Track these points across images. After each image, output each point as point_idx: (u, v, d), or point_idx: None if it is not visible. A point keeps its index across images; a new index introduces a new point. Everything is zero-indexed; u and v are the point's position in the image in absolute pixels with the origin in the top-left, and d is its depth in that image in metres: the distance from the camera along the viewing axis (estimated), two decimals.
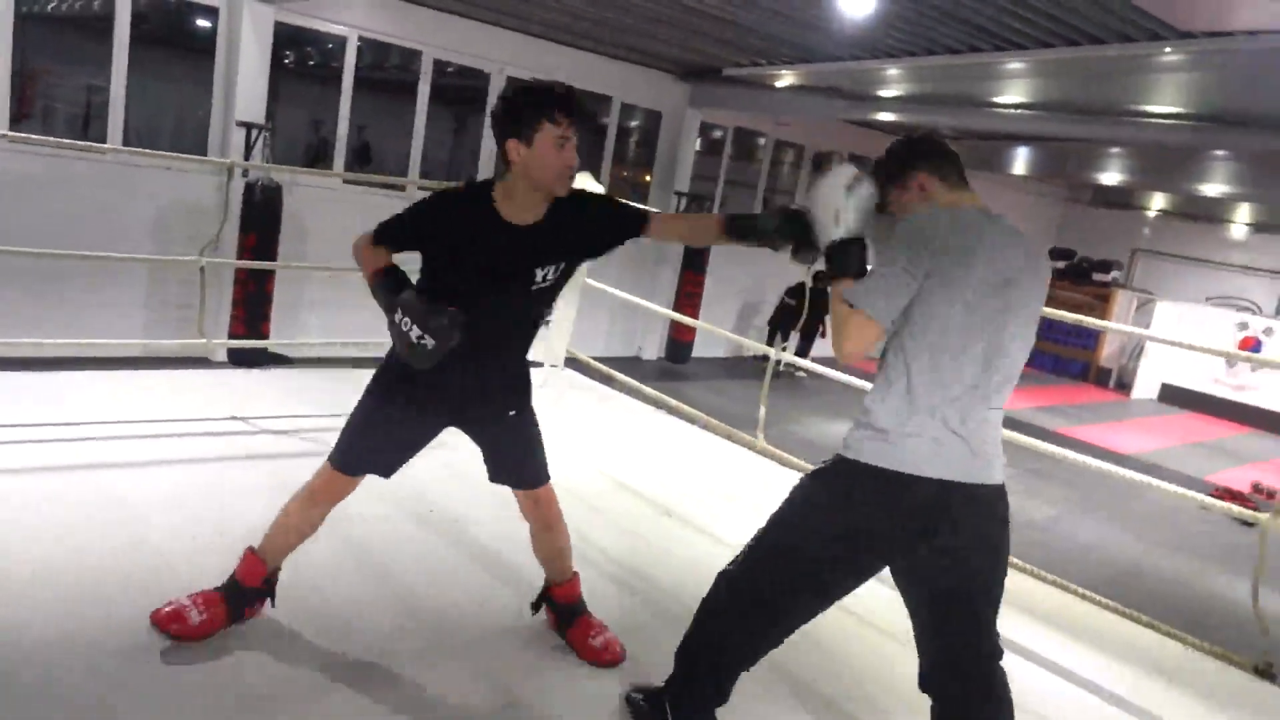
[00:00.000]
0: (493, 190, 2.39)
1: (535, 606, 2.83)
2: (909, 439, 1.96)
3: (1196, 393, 16.24)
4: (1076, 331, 18.53)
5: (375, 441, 2.56)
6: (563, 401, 5.27)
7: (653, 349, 12.82)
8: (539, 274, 2.42)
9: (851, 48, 9.09)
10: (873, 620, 3.06)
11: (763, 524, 2.21)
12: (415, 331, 2.27)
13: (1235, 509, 3.68)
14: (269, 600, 2.62)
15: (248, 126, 8.75)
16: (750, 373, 13.45)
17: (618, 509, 3.93)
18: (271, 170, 8.59)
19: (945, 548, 2.01)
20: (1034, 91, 8.99)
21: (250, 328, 8.41)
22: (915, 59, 8.74)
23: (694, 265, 12.31)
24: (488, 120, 10.61)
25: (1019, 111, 9.60)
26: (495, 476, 2.68)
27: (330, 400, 4.44)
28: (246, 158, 8.72)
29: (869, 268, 2.06)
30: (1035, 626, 3.31)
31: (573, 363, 5.75)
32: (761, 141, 14.02)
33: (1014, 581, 3.62)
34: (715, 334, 13.27)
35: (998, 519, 2.08)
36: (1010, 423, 7.75)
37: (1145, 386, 17.14)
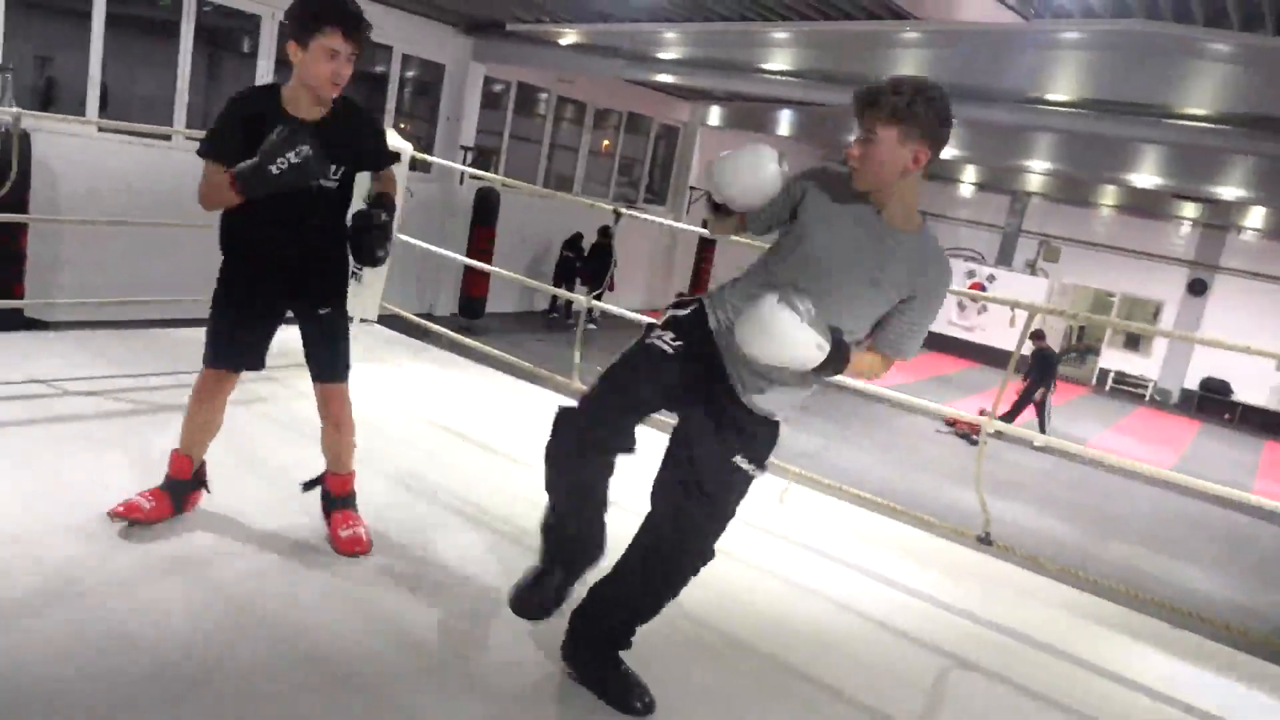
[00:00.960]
0: (282, 89, 2.68)
1: (307, 486, 3.05)
2: None
3: (934, 334, 18.29)
4: None
5: (230, 335, 2.85)
6: (376, 354, 5.35)
7: (445, 305, 12.84)
8: (326, 168, 2.64)
9: (632, 10, 9.50)
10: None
11: None
12: (291, 157, 2.47)
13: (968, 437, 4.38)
14: (204, 489, 2.96)
15: None
16: (541, 326, 13.80)
17: (444, 448, 4.13)
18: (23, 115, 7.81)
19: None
20: (798, 60, 9.80)
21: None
22: (692, 24, 9.30)
23: (484, 220, 12.38)
24: (261, 67, 10.18)
25: (784, 78, 10.41)
26: (310, 368, 2.94)
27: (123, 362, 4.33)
28: None
29: None
30: (812, 527, 3.88)
31: (386, 320, 5.82)
32: (544, 97, 14.21)
33: (804, 492, 4.23)
34: (506, 289, 13.55)
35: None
36: None
37: None
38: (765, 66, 10.08)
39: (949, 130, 2.13)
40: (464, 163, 11.93)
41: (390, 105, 11.85)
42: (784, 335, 1.98)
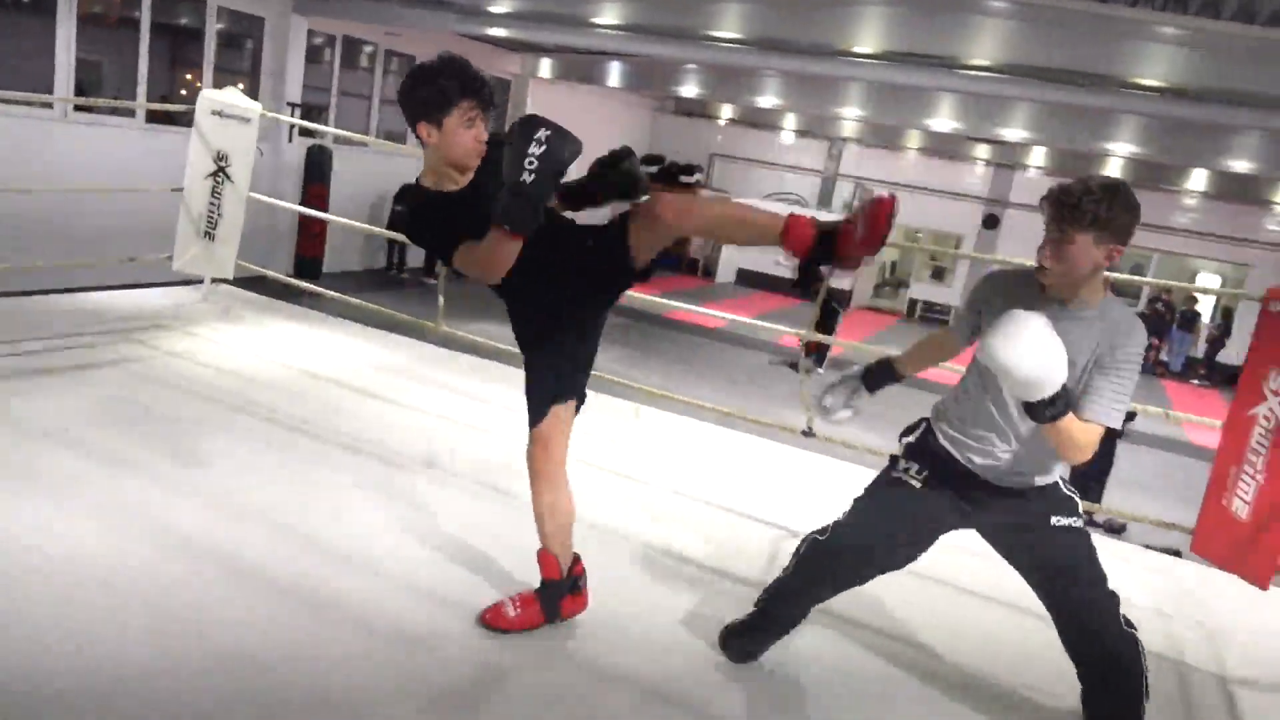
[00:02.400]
0: (422, 181, 2.50)
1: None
2: None
3: (764, 274, 19.41)
4: None
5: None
6: (233, 314, 5.42)
7: (279, 267, 12.52)
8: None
9: None
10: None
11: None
12: (567, 146, 2.31)
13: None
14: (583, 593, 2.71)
15: None
16: (383, 284, 13.71)
17: (322, 395, 4.34)
18: None
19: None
20: (627, 14, 10.15)
21: None
22: None
23: (316, 178, 12.15)
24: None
25: (615, 31, 10.73)
26: None
27: None
28: None
29: None
30: (664, 439, 4.39)
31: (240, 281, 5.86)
32: (370, 50, 13.93)
33: (656, 414, 4.71)
34: (343, 248, 13.36)
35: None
36: (627, 311, 8.92)
37: (726, 272, 20.14)
38: (596, 20, 10.35)
39: (1137, 220, 2.19)
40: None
41: (209, 61, 11.37)
42: (1035, 339, 2.00)
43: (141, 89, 10.64)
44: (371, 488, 3.44)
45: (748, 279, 19.81)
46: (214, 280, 5.51)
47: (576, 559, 2.70)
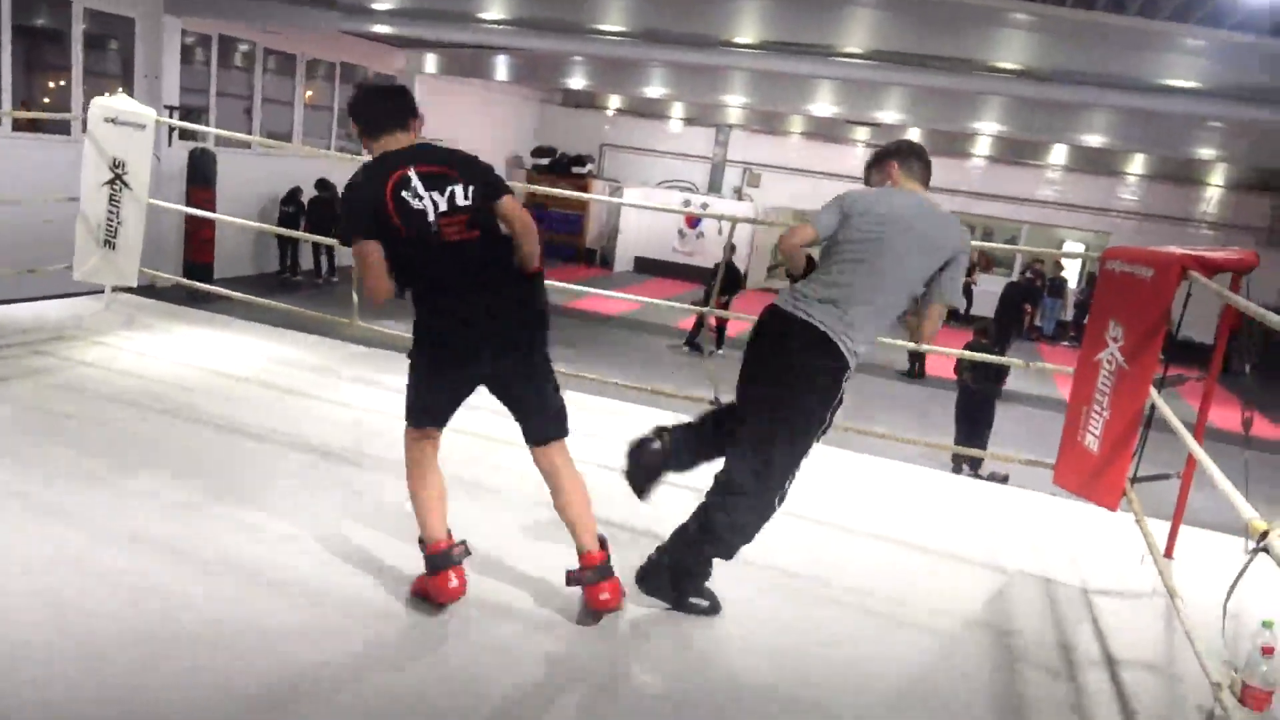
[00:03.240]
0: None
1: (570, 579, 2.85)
2: None
3: (660, 261, 19.79)
4: (564, 219, 21.17)
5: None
6: (139, 322, 5.38)
7: (168, 274, 12.17)
8: None
9: None
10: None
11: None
12: None
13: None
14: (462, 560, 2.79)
15: None
16: (279, 287, 13.46)
17: (245, 395, 4.38)
18: None
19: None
20: (510, 9, 10.28)
21: None
22: None
23: (200, 182, 11.86)
24: None
25: (499, 26, 10.83)
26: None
27: None
28: None
29: None
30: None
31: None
32: (245, 49, 13.61)
33: (569, 393, 4.92)
34: (233, 252, 13.05)
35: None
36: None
37: (623, 261, 20.44)
38: (481, 15, 10.45)
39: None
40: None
41: (77, 65, 10.95)
42: None
43: (6, 96, 10.19)
44: (306, 477, 3.56)
45: (645, 266, 20.16)
46: (114, 289, 5.45)
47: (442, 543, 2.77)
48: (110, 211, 4.91)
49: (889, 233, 2.87)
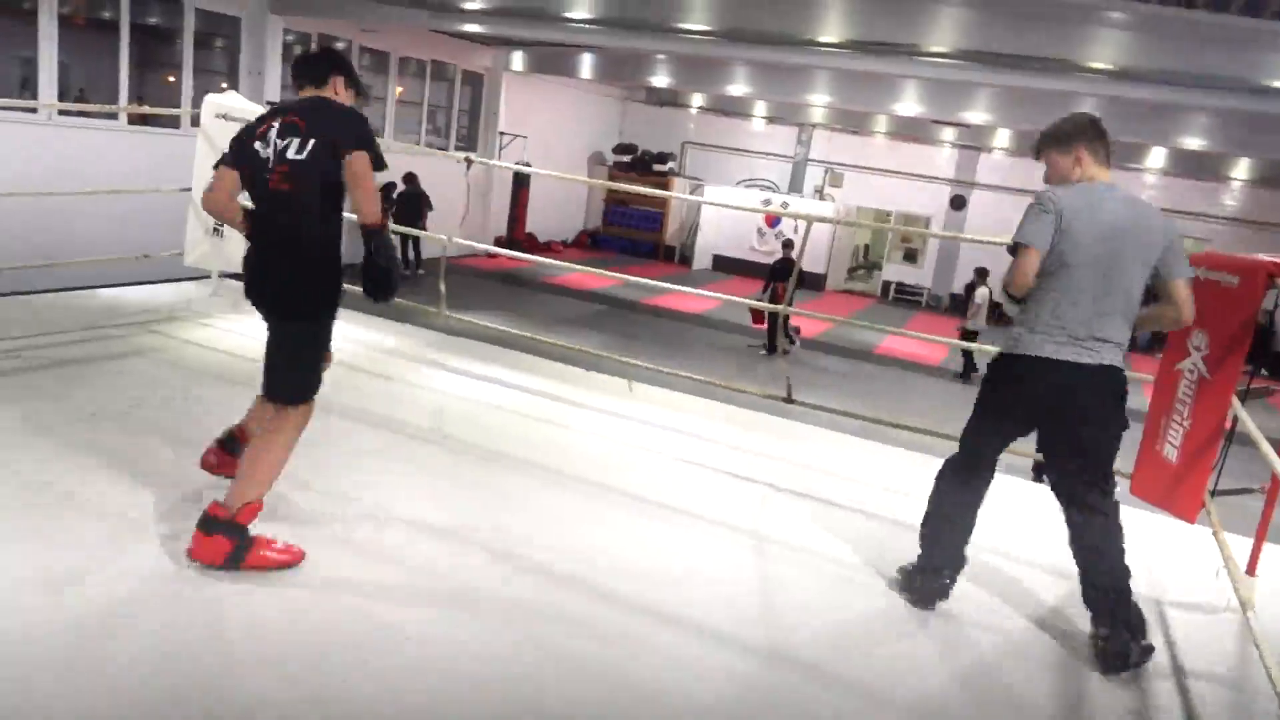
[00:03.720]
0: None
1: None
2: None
3: (739, 259, 19.78)
4: (644, 216, 21.34)
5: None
6: (243, 306, 5.69)
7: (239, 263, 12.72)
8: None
9: None
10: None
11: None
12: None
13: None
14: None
15: None
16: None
17: (338, 377, 4.61)
18: None
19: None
20: (597, 8, 10.45)
21: None
22: None
23: None
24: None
25: (585, 25, 11.02)
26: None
27: None
28: None
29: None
30: (655, 408, 4.73)
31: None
32: (341, 46, 14.10)
33: (644, 387, 5.06)
34: None
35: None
36: (607, 298, 9.53)
37: (702, 258, 20.51)
38: (568, 14, 10.64)
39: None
40: None
41: (187, 63, 11.54)
42: None
43: (123, 92, 10.80)
44: (392, 455, 3.76)
45: (724, 264, 20.17)
46: (221, 274, 5.78)
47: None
48: None
49: (1118, 248, 2.75)
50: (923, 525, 3.14)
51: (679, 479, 4.00)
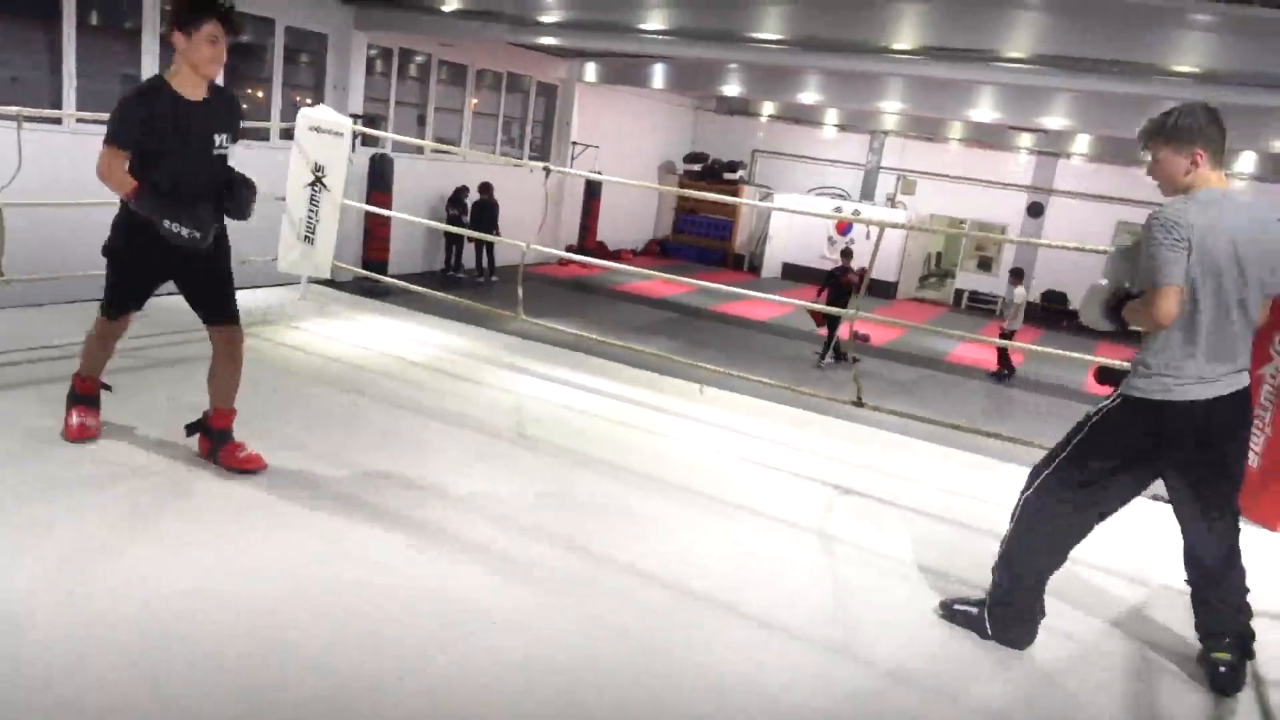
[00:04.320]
0: (166, 77, 3.18)
1: (190, 430, 3.46)
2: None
3: (808, 268, 19.69)
4: (713, 225, 21.42)
5: (128, 288, 3.35)
6: (329, 311, 5.98)
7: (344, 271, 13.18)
8: (216, 139, 3.24)
9: None
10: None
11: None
12: (185, 231, 3.07)
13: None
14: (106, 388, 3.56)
15: None
16: (443, 284, 14.30)
17: (420, 378, 4.83)
18: None
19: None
20: (671, 19, 10.60)
21: None
22: None
23: (379, 185, 12.76)
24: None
25: (659, 36, 11.18)
26: (203, 315, 3.42)
27: None
28: None
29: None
30: (725, 411, 4.82)
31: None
32: (420, 60, 14.53)
33: (714, 391, 5.15)
34: (405, 252, 13.98)
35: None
36: (676, 305, 9.69)
37: (771, 267, 20.48)
38: (643, 26, 10.81)
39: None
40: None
41: (277, 78, 12.04)
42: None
43: None
44: (472, 454, 3.93)
45: (793, 273, 20.10)
46: (310, 280, 6.06)
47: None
48: (310, 210, 5.49)
49: (1244, 268, 2.52)
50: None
51: (751, 480, 4.07)
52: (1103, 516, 2.80)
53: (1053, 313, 19.48)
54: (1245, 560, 2.87)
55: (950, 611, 3.01)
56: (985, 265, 20.74)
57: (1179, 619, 3.26)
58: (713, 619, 2.88)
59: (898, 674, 2.72)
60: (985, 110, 14.08)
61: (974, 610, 2.94)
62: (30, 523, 2.87)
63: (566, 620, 2.75)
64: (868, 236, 17.61)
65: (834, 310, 8.23)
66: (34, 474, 3.19)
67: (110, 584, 2.60)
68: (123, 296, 3.37)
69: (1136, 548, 3.86)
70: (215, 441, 3.41)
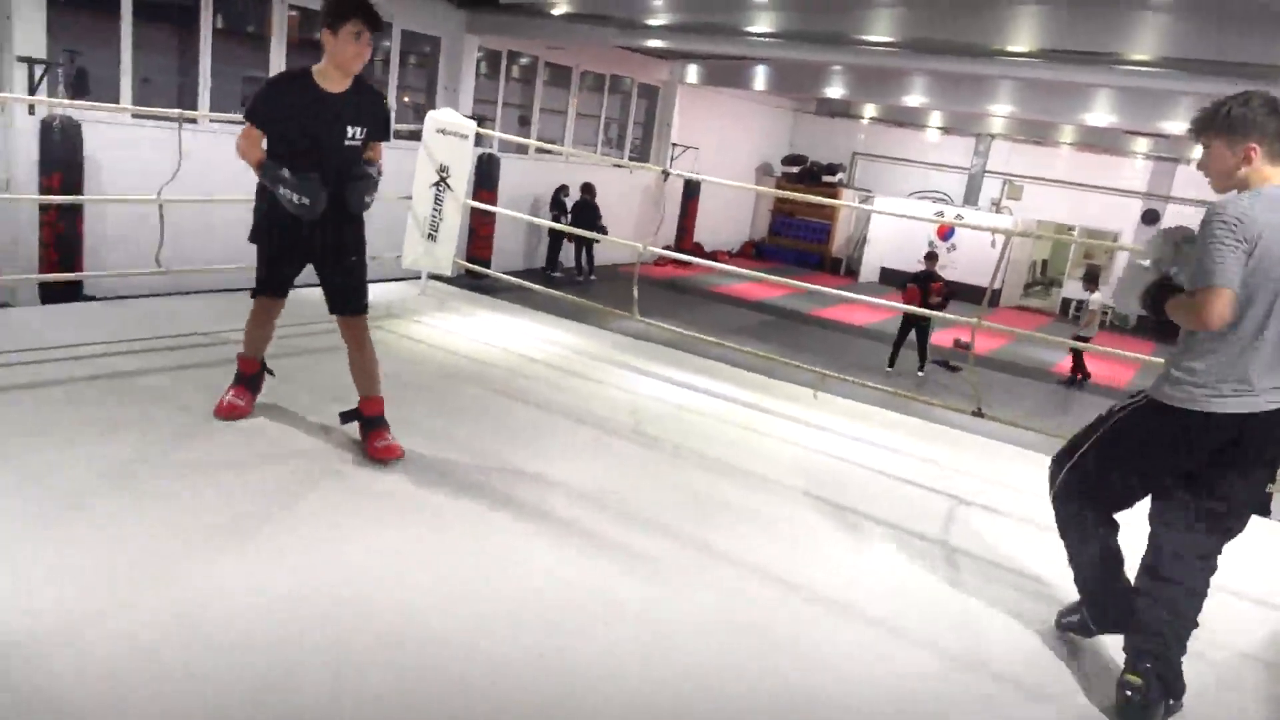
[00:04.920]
0: (313, 68, 3.38)
1: (344, 418, 3.61)
2: None
3: (908, 273, 19.33)
4: (811, 227, 21.23)
5: (269, 272, 3.59)
6: (448, 306, 6.20)
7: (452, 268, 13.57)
8: (349, 131, 3.39)
9: None
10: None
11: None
12: (295, 198, 3.24)
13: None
14: (269, 372, 3.82)
15: (29, 61, 8.51)
16: (544, 282, 14.55)
17: (537, 373, 4.97)
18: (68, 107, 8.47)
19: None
20: (777, 21, 10.59)
21: (64, 265, 8.41)
22: None
23: (486, 184, 13.08)
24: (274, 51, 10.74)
25: (764, 38, 11.19)
26: (329, 305, 3.59)
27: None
28: (32, 93, 8.51)
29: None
30: (842, 416, 4.82)
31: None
32: (525, 62, 14.83)
33: (826, 396, 5.15)
34: (507, 250, 14.30)
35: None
36: (772, 308, 9.69)
37: (869, 271, 20.19)
38: (749, 29, 10.84)
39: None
40: None
41: (393, 79, 12.49)
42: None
43: None
44: (593, 449, 4.04)
45: (890, 277, 19.76)
46: (430, 276, 6.30)
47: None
48: (435, 209, 5.70)
49: None
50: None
51: (865, 485, 4.08)
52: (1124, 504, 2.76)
53: (1167, 324, 18.68)
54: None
55: (1061, 624, 3.00)
56: (1093, 275, 20.01)
57: None
58: (832, 619, 2.92)
59: (1024, 684, 2.71)
60: (1101, 114, 13.62)
61: (1075, 617, 2.93)
62: (165, 497, 3.09)
63: (695, 611, 2.83)
64: (993, 245, 16.94)
65: (923, 312, 7.83)
66: (177, 451, 3.42)
67: (250, 564, 2.78)
68: (266, 278, 3.61)
69: (1271, 571, 3.73)
70: (366, 428, 3.58)
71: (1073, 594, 2.99)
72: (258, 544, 2.87)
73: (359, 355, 3.60)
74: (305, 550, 2.87)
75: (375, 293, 5.15)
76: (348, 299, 3.58)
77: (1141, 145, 18.42)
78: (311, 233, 3.44)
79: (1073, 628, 2.97)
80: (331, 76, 3.36)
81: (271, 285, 3.63)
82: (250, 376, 3.78)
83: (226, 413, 3.69)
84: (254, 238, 3.57)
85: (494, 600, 2.75)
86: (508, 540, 3.12)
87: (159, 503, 3.01)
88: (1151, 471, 2.67)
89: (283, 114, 3.34)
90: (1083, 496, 2.77)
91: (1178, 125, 13.44)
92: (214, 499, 3.10)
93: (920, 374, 11.70)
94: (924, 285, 11.49)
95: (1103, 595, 2.83)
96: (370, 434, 3.57)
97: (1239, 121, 2.42)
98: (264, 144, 3.39)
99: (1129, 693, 2.56)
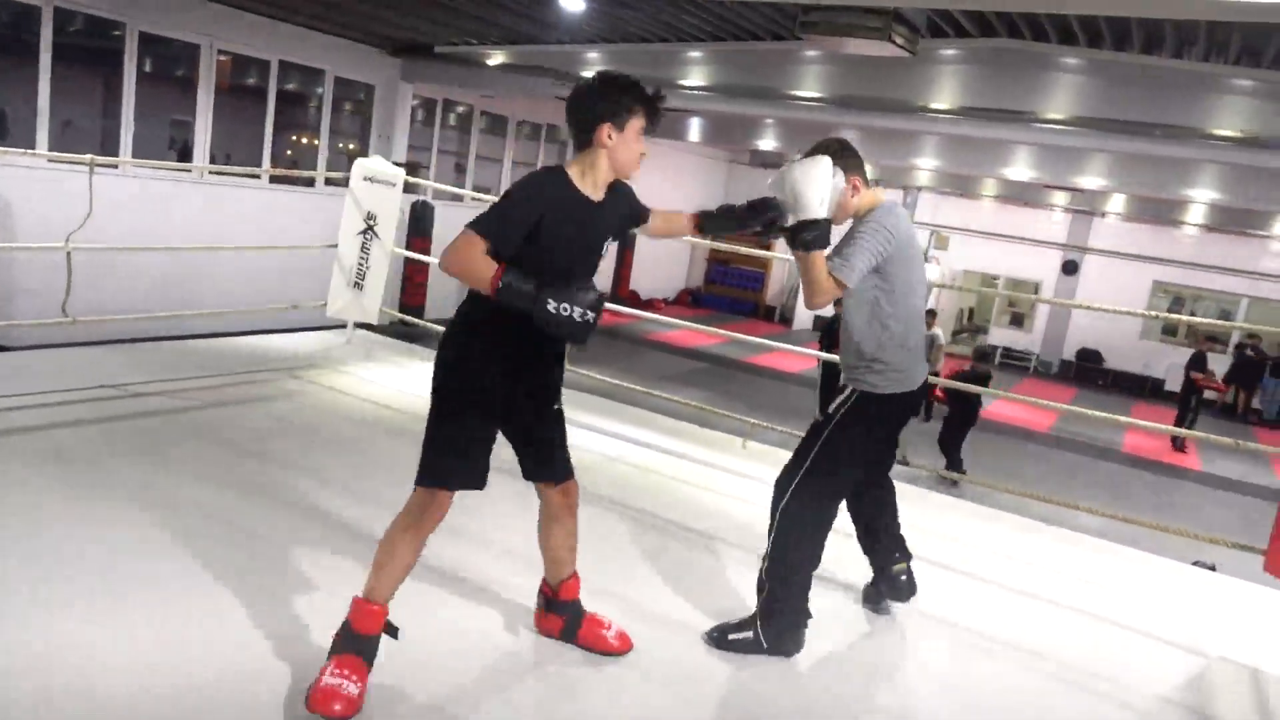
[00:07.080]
0: (568, 171, 2.55)
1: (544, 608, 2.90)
2: None
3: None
4: (746, 276, 21.55)
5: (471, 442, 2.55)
6: (375, 356, 6.06)
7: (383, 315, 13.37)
8: (604, 245, 2.67)
9: (557, 32, 10.34)
10: None
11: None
12: (577, 311, 2.32)
13: None
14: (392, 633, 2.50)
15: None
16: None
17: None
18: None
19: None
20: (710, 76, 10.79)
21: None
22: (613, 45, 10.22)
23: (420, 231, 12.99)
24: (201, 99, 10.56)
25: (698, 92, 11.38)
26: (537, 468, 2.77)
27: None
28: None
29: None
30: (767, 468, 4.79)
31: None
32: (461, 110, 14.86)
33: (756, 445, 5.13)
34: (441, 296, 14.17)
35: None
36: (708, 355, 9.70)
37: (803, 319, 20.52)
38: (684, 82, 11.01)
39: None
40: None
41: (324, 126, 12.37)
42: (819, 174, 2.95)
43: (266, 153, 11.65)
44: (516, 500, 3.95)
45: (823, 325, 20.10)
46: (356, 325, 6.16)
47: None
48: (361, 257, 5.61)
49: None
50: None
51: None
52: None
53: (1089, 370, 19.33)
54: None
55: (724, 641, 2.98)
56: (1018, 321, 20.66)
57: (1239, 693, 3.20)
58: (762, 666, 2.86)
59: None
60: (1021, 169, 14.14)
61: (748, 634, 2.97)
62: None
63: (612, 666, 2.74)
64: None
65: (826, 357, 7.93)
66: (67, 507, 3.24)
67: None
68: (465, 460, 2.53)
69: (1195, 619, 3.79)
70: (569, 616, 2.87)
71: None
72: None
73: (573, 524, 2.84)
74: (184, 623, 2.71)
75: (297, 342, 5.03)
76: (563, 459, 2.77)
77: (1060, 198, 19.17)
78: (517, 379, 2.60)
79: (737, 647, 2.98)
80: (598, 183, 2.57)
81: (477, 471, 2.56)
82: (368, 640, 2.43)
83: (325, 707, 2.26)
84: (447, 407, 2.55)
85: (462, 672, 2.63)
86: (429, 603, 3.00)
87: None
88: (874, 453, 3.29)
89: (533, 235, 2.43)
90: (820, 501, 3.14)
91: (1093, 180, 14.03)
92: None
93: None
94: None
95: (790, 618, 3.00)
96: (587, 619, 2.89)
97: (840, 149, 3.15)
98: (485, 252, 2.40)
99: (903, 576, 3.35)
